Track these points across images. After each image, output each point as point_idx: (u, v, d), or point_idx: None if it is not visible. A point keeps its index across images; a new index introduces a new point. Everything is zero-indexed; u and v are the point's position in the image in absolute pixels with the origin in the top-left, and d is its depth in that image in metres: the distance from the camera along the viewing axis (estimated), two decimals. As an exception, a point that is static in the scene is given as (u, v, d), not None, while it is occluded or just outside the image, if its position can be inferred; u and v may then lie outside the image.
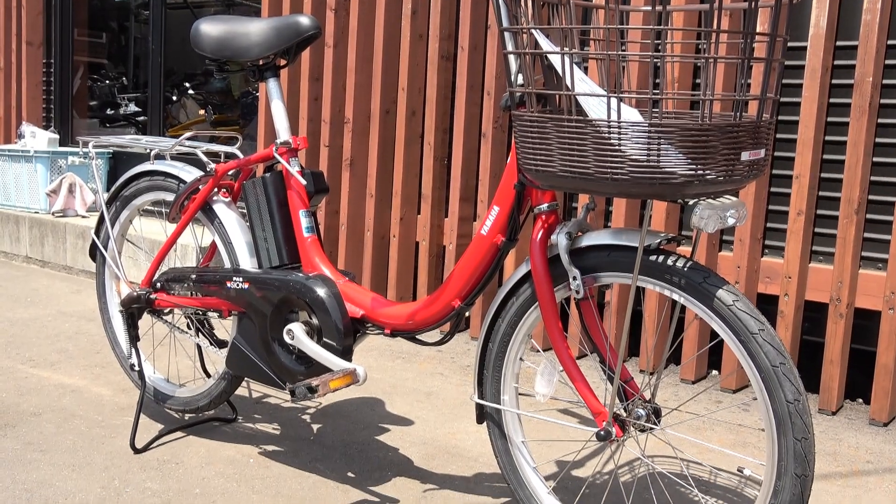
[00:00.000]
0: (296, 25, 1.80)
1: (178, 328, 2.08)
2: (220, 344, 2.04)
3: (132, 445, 1.97)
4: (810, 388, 2.52)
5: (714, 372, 2.75)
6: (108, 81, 5.12)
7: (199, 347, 2.19)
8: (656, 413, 1.47)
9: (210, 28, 1.87)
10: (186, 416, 2.19)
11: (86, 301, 3.42)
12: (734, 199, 1.31)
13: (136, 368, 2.09)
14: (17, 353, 2.67)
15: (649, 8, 1.18)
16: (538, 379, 1.52)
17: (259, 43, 1.82)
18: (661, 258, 1.36)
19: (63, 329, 2.98)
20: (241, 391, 2.41)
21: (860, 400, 2.54)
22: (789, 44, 2.49)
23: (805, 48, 2.43)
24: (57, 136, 4.53)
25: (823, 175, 2.47)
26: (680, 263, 1.35)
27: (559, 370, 1.51)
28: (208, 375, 2.14)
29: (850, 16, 2.40)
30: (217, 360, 2.04)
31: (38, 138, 4.43)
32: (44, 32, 4.97)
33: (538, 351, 2.83)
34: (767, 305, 2.54)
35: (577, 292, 1.44)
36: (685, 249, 2.65)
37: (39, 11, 4.91)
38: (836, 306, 2.38)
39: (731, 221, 1.29)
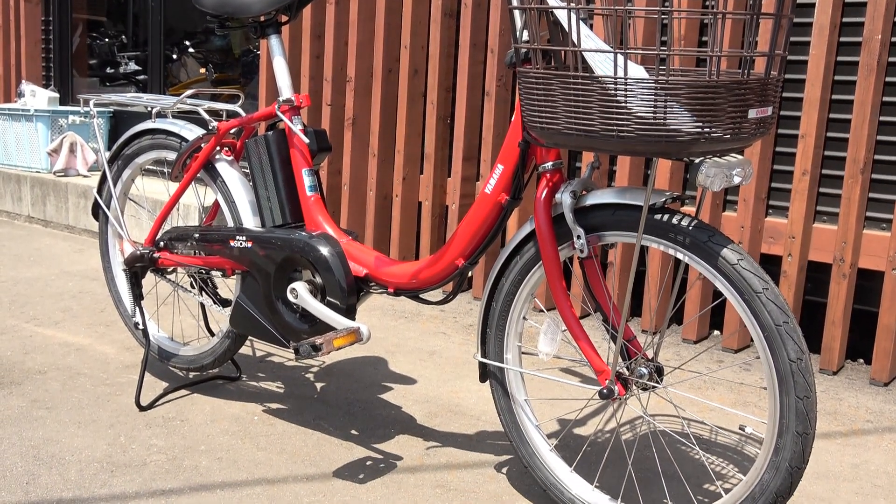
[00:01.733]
0: (297, -19, 1.77)
1: (182, 287, 2.08)
2: (224, 303, 2.05)
3: (137, 403, 1.99)
4: (812, 348, 2.53)
5: (716, 332, 2.76)
6: (107, 39, 5.07)
7: (202, 306, 2.19)
8: (658, 372, 1.48)
9: (210, -17, 1.84)
10: (191, 375, 2.21)
11: (89, 260, 3.43)
12: (740, 157, 1.30)
13: (141, 327, 2.09)
14: (22, 312, 2.68)
15: (657, -38, 1.16)
16: (541, 338, 1.52)
17: (260, -2, 1.79)
18: (665, 217, 1.36)
19: (67, 288, 2.98)
20: (245, 350, 2.42)
21: (861, 360, 2.55)
22: (798, 0, 2.46)
23: (813, 5, 2.40)
24: (57, 95, 4.49)
25: (829, 134, 2.45)
26: (684, 222, 1.34)
27: (562, 329, 1.51)
28: (212, 334, 2.15)
29: (859, -28, 2.37)
30: (221, 319, 2.04)
31: (38, 97, 4.39)
32: (42, -11, 4.91)
33: (541, 310, 2.84)
34: (770, 266, 2.53)
35: (581, 251, 1.43)
36: (690, 209, 2.64)
37: (37, -33, 4.85)
38: (840, 267, 2.38)
39: (736, 180, 1.28)
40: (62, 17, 4.95)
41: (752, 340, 2.28)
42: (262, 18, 1.86)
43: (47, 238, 3.87)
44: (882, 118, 2.36)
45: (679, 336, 2.68)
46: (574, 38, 1.21)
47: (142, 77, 4.79)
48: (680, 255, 1.35)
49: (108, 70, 5.05)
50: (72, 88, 5.02)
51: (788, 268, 2.46)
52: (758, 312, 1.28)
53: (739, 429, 1.98)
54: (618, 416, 2.01)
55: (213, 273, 1.99)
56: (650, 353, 1.51)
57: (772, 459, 1.30)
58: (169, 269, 2.08)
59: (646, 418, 1.97)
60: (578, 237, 1.42)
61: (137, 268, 2.06)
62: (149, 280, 2.12)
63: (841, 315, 2.38)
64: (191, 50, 4.69)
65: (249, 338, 1.96)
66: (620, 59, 1.17)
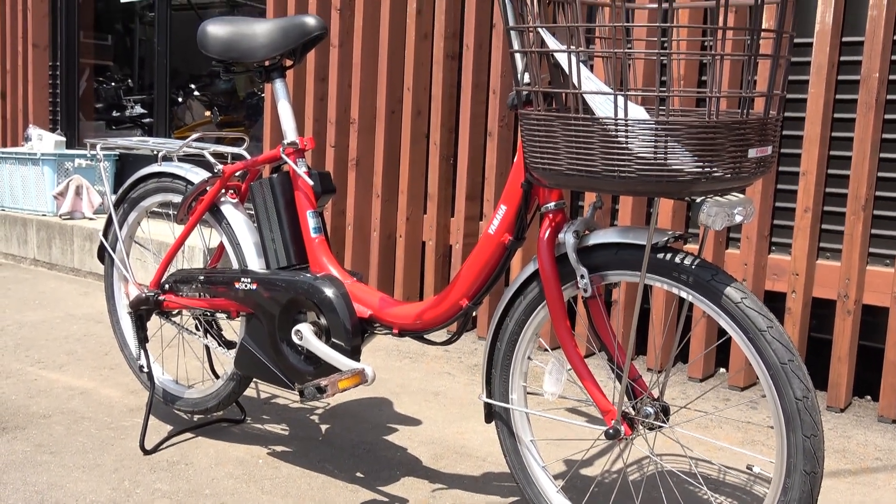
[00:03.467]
0: (302, 26, 1.80)
1: (187, 329, 2.08)
2: (229, 345, 2.05)
3: (142, 447, 1.98)
4: (818, 385, 2.51)
5: (722, 370, 2.75)
6: (113, 83, 5.13)
7: (207, 348, 2.19)
8: (665, 411, 1.47)
9: (217, 29, 1.88)
10: (195, 418, 2.20)
11: (94, 303, 3.43)
12: (741, 196, 1.31)
13: (146, 370, 2.09)
14: (27, 356, 2.68)
15: (655, 5, 1.18)
16: (546, 378, 1.52)
17: (265, 44, 1.82)
18: (668, 256, 1.36)
19: (72, 331, 2.99)
20: (250, 392, 2.41)
21: (868, 397, 2.53)
22: (795, 40, 2.49)
23: (811, 44, 2.43)
24: (63, 139, 4.54)
25: (830, 171, 2.47)
26: (688, 261, 1.35)
27: (567, 369, 1.51)
28: (217, 376, 2.15)
29: (855, 11, 2.40)
30: (226, 361, 2.04)
31: (44, 141, 4.44)
32: (50, 35, 4.98)
33: (546, 350, 2.83)
34: (775, 303, 2.53)
35: (585, 291, 1.44)
36: (692, 247, 2.64)
37: (45, 14, 4.93)
38: (844, 303, 2.37)
39: (738, 219, 1.29)
40: (69, 63, 5.02)
41: (758, 378, 2.28)
42: (266, 63, 1.88)
43: (53, 281, 3.88)
44: (882, 155, 2.37)
45: (685, 374, 2.67)
46: (575, 80, 1.23)
47: (147, 120, 4.84)
48: (683, 294, 1.35)
49: (115, 113, 5.11)
50: (78, 132, 5.07)
51: (793, 304, 2.45)
52: (762, 351, 1.28)
53: (747, 468, 1.97)
54: (624, 457, 1.99)
55: (218, 315, 2.00)
56: (656, 393, 1.50)
57: (780, 499, 1.29)
58: (174, 312, 2.08)
59: (653, 458, 1.95)
60: (582, 277, 1.43)
61: (142, 310, 2.07)
62: (154, 322, 2.13)
63: (847, 351, 2.37)
64: (196, 93, 4.74)
65: (254, 380, 1.96)
66: (621, 100, 1.19)
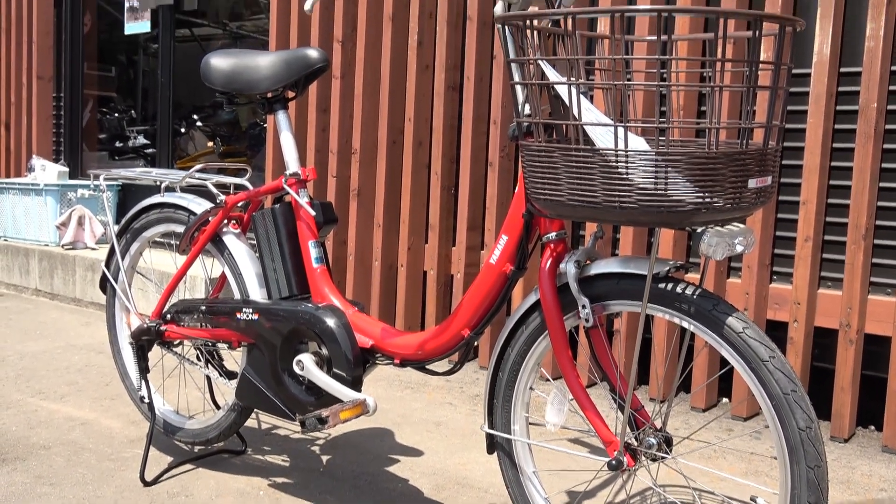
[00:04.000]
0: (305, 58, 1.82)
1: (188, 360, 2.08)
2: (230, 375, 2.04)
3: (142, 478, 1.97)
4: (822, 415, 2.50)
5: (724, 399, 2.74)
6: (117, 114, 5.17)
7: (208, 379, 2.19)
8: (667, 442, 1.46)
9: (220, 62, 1.89)
10: (196, 449, 2.19)
11: (95, 333, 3.43)
12: (742, 226, 1.32)
13: (146, 401, 2.09)
14: (27, 386, 2.68)
15: (654, 38, 1.20)
16: (549, 408, 1.51)
17: (268, 76, 1.84)
18: (670, 286, 1.36)
19: (73, 361, 2.98)
20: (251, 422, 2.40)
21: (872, 427, 2.52)
22: (793, 70, 2.51)
23: (809, 75, 2.45)
24: (67, 169, 4.57)
25: (830, 201, 2.47)
26: (689, 291, 1.35)
27: (569, 399, 1.50)
28: (218, 407, 2.14)
29: (853, 42, 2.42)
30: (227, 392, 2.04)
31: (48, 171, 4.46)
32: (54, 67, 5.03)
33: (548, 379, 2.82)
34: (777, 332, 2.53)
35: (587, 321, 1.44)
36: (694, 277, 2.65)
37: (50, 46, 4.98)
38: (846, 332, 2.37)
39: (739, 249, 1.29)
40: (73, 94, 5.06)
41: (761, 408, 2.27)
42: (269, 95, 1.90)
43: (54, 311, 3.88)
44: (882, 184, 2.38)
45: (687, 404, 2.66)
46: (575, 111, 1.24)
47: (150, 150, 4.87)
48: (685, 324, 1.35)
49: (118, 144, 5.14)
50: (81, 162, 5.10)
51: (795, 334, 2.45)
52: (765, 381, 1.27)
53: (750, 499, 1.95)
54: (627, 488, 1.98)
55: (220, 345, 1.99)
56: (658, 423, 1.50)
57: (785, 531, 1.28)
58: (175, 342, 2.08)
59: (656, 489, 1.94)
60: (583, 307, 1.43)
61: (144, 341, 2.07)
62: (155, 353, 2.13)
63: (850, 381, 2.36)
64: (199, 124, 4.78)
65: (255, 410, 1.95)
66: (621, 131, 1.20)
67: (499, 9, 1.48)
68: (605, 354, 1.51)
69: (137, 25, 4.72)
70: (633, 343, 2.70)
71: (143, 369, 2.09)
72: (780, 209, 2.57)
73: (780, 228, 2.57)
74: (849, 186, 2.43)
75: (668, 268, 1.38)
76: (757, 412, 2.59)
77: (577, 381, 1.47)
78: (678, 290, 1.35)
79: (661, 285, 1.37)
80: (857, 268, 2.34)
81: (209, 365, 2.07)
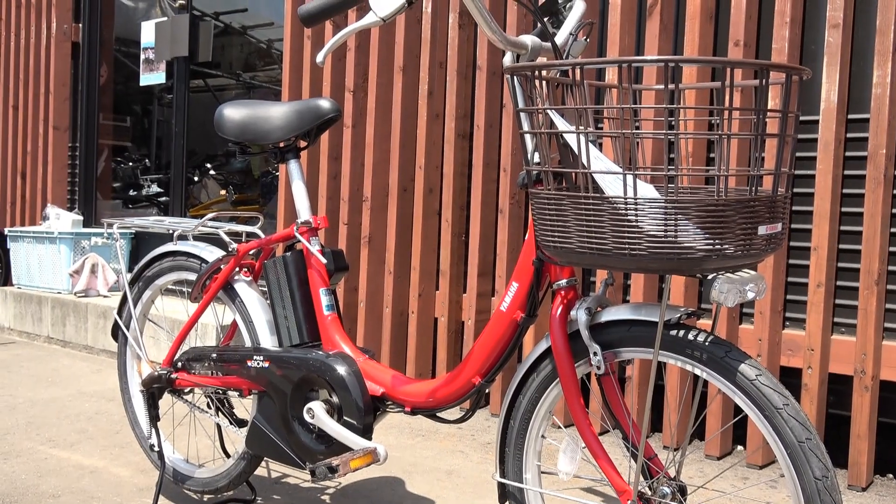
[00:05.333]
0: (316, 109, 1.84)
1: (199, 407, 2.08)
2: (240, 423, 2.03)
3: (151, 528, 1.95)
4: (839, 463, 2.46)
5: (739, 447, 2.70)
6: (131, 163, 5.23)
7: (218, 427, 2.18)
8: (682, 491, 1.45)
9: (233, 112, 1.92)
10: (205, 497, 2.17)
11: (106, 381, 3.43)
12: (753, 272, 1.31)
13: (156, 449, 2.08)
14: (38, 434, 2.67)
15: (662, 87, 1.21)
16: (561, 456, 1.50)
17: (281, 126, 1.87)
18: (681, 333, 1.36)
19: (83, 409, 2.98)
20: (260, 471, 2.39)
21: (891, 475, 2.48)
22: (802, 117, 2.52)
23: (817, 121, 2.46)
24: (81, 218, 4.61)
25: (842, 246, 2.47)
26: (701, 338, 1.34)
27: (582, 447, 1.49)
28: (228, 455, 2.13)
29: (859, 89, 2.44)
30: (237, 440, 2.02)
31: (62, 220, 4.51)
32: (70, 117, 5.11)
33: (560, 427, 2.80)
34: (791, 378, 2.50)
35: (598, 368, 1.43)
36: (705, 323, 2.63)
37: (66, 97, 5.06)
38: (861, 379, 2.35)
39: (750, 295, 1.29)
40: (89, 144, 5.13)
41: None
42: (281, 145, 1.92)
43: (66, 358, 3.88)
44: (893, 230, 2.38)
45: (702, 452, 2.63)
46: (584, 159, 1.25)
47: (164, 199, 4.92)
48: (697, 371, 1.35)
49: (132, 192, 5.19)
50: (95, 211, 5.15)
51: (809, 381, 2.43)
52: (779, 429, 1.26)
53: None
54: (642, 538, 1.95)
55: (230, 393, 1.99)
56: (672, 471, 1.48)
57: (803, 583, 1.26)
58: (186, 390, 2.08)
59: (671, 539, 1.91)
60: (595, 354, 1.42)
61: (155, 389, 2.06)
62: (165, 400, 2.12)
63: (866, 428, 2.33)
64: (212, 172, 4.83)
65: (265, 459, 1.94)
66: (630, 179, 1.20)
67: (508, 59, 1.50)
68: (618, 402, 1.50)
69: (153, 76, 4.80)
70: (645, 390, 2.67)
71: (154, 417, 2.08)
72: (791, 255, 2.56)
73: (792, 274, 2.56)
74: (860, 232, 2.42)
75: (679, 314, 1.37)
76: (773, 460, 2.56)
77: (590, 428, 1.46)
78: (690, 336, 1.35)
79: (673, 332, 1.36)
80: (871, 313, 2.33)
81: (219, 413, 2.06)
